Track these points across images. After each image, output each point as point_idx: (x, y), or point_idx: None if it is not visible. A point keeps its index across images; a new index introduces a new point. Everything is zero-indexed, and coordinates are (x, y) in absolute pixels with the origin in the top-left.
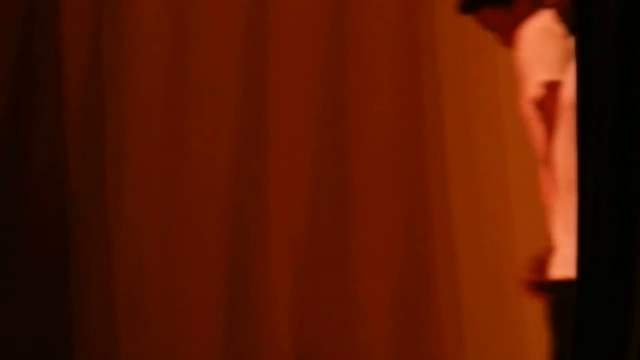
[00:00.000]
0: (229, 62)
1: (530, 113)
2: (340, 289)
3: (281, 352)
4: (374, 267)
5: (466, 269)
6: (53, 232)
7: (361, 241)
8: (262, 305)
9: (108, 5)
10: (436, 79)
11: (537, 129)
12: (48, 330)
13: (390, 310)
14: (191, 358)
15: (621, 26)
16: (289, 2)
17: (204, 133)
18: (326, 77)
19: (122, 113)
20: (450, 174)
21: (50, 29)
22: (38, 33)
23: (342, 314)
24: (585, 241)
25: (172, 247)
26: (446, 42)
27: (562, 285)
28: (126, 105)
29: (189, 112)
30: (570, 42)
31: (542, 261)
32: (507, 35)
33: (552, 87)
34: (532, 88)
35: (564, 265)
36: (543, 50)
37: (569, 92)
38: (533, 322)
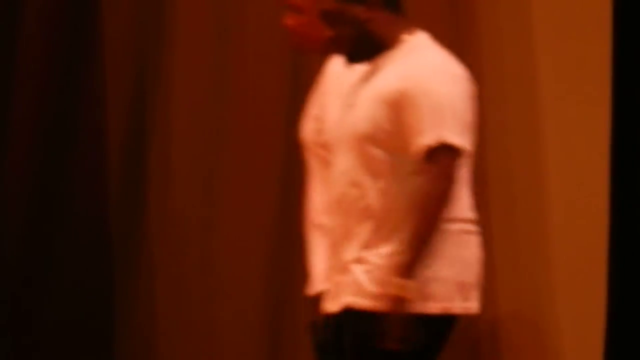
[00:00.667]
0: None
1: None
2: None
3: None
4: None
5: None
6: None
7: None
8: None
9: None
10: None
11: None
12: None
13: None
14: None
15: None
16: None
17: (246, 160)
18: None
19: (165, 122)
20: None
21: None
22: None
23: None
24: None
25: (212, 258)
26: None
27: (363, 315)
28: (170, 115)
29: (231, 128)
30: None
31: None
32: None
33: (460, 155)
34: (428, 139)
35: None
36: (465, 109)
37: None
38: (567, 325)
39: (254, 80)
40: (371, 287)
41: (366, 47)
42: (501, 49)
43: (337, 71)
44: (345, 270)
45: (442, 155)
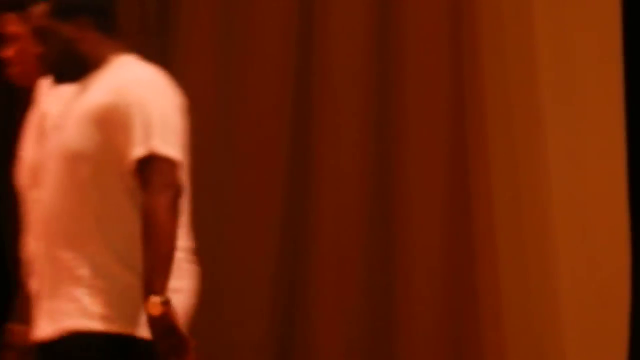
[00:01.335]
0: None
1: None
2: (385, 294)
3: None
4: (419, 274)
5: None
6: None
7: (406, 251)
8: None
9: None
10: (481, 99)
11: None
12: None
13: (435, 314)
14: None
15: None
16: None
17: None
18: (373, 83)
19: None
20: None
21: None
22: None
23: (385, 317)
24: None
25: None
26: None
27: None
28: None
29: (235, 131)
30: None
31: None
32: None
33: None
34: (139, 150)
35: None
36: (175, 121)
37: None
38: (572, 324)
39: (258, 83)
40: (97, 308)
41: (74, 67)
42: (503, 43)
43: (45, 94)
44: (62, 295)
45: (157, 165)
